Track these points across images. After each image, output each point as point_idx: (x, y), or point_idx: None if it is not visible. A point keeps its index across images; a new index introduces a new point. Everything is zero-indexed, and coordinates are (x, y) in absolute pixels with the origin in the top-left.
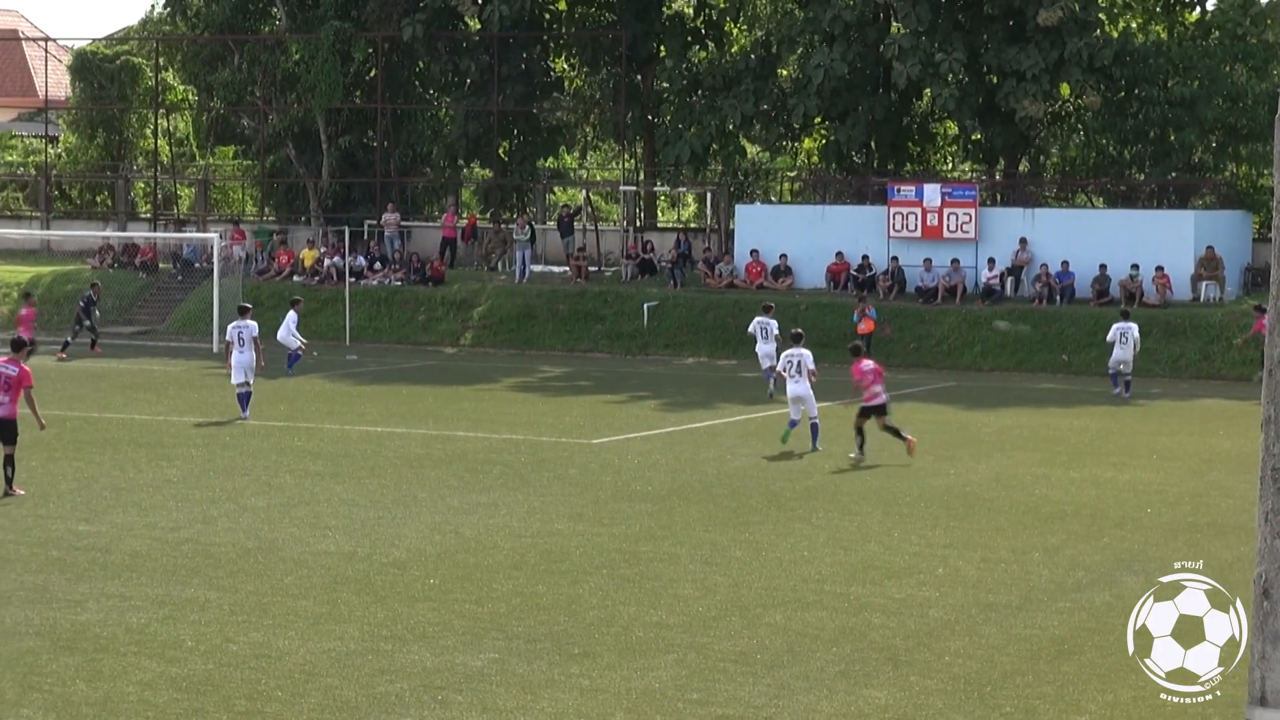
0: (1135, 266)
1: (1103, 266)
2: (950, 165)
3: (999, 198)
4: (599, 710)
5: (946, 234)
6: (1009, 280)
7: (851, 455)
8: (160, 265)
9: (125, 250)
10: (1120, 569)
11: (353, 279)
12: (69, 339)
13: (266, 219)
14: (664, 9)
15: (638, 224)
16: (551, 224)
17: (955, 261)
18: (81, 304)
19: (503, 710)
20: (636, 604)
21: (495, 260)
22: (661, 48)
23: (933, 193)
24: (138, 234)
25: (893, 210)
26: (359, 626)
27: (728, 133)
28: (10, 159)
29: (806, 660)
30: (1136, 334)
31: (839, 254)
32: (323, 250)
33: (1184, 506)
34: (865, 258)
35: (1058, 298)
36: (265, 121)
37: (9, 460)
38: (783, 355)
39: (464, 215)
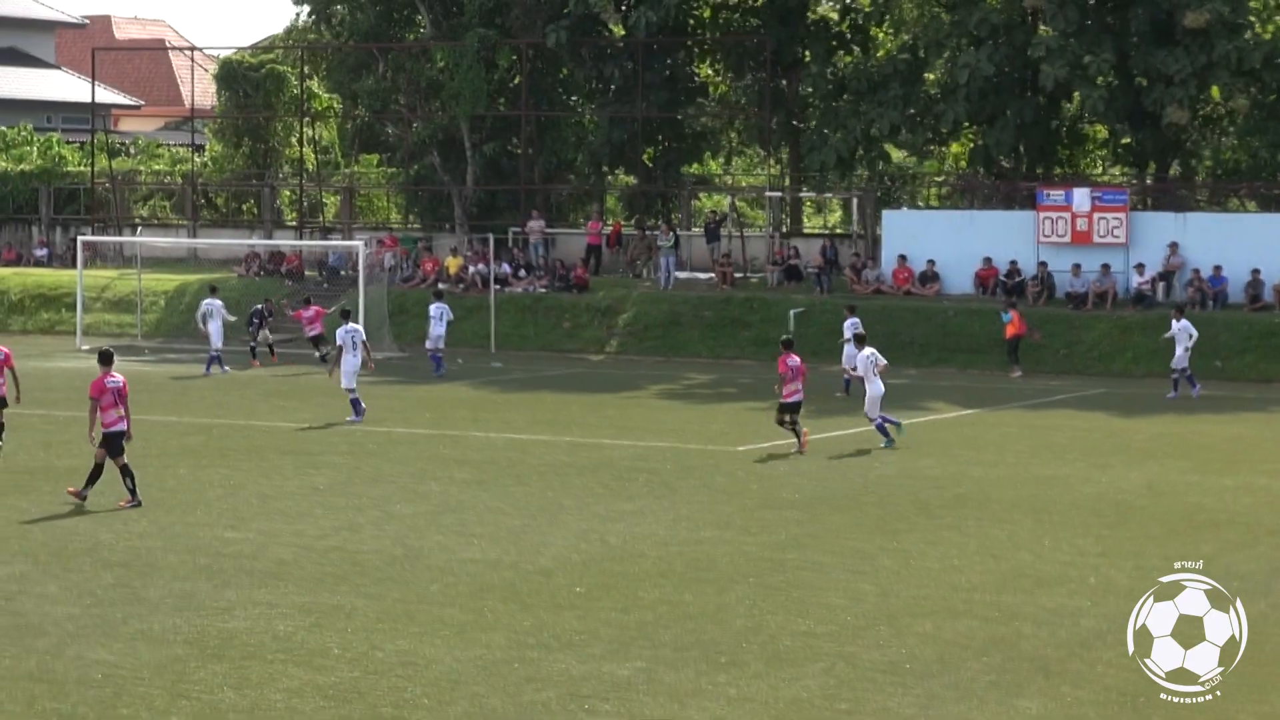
0: None
1: (1256, 271)
2: (1100, 169)
3: (1149, 202)
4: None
5: (1096, 239)
6: (1160, 285)
7: (794, 449)
8: (306, 273)
9: (271, 258)
10: (1276, 578)
11: (497, 286)
12: (253, 345)
13: (411, 226)
14: (809, 14)
15: (783, 230)
16: (696, 230)
17: (1105, 267)
18: (254, 320)
19: (650, 719)
20: (784, 612)
21: (640, 267)
22: (806, 52)
23: (1082, 197)
24: (283, 242)
25: (1042, 215)
26: (505, 634)
27: (873, 137)
28: (157, 168)
29: (956, 670)
30: (1193, 331)
31: (987, 259)
32: (467, 257)
33: None
34: (1014, 263)
35: (1210, 303)
36: (410, 129)
37: (125, 471)
38: (866, 355)
39: (608, 222)
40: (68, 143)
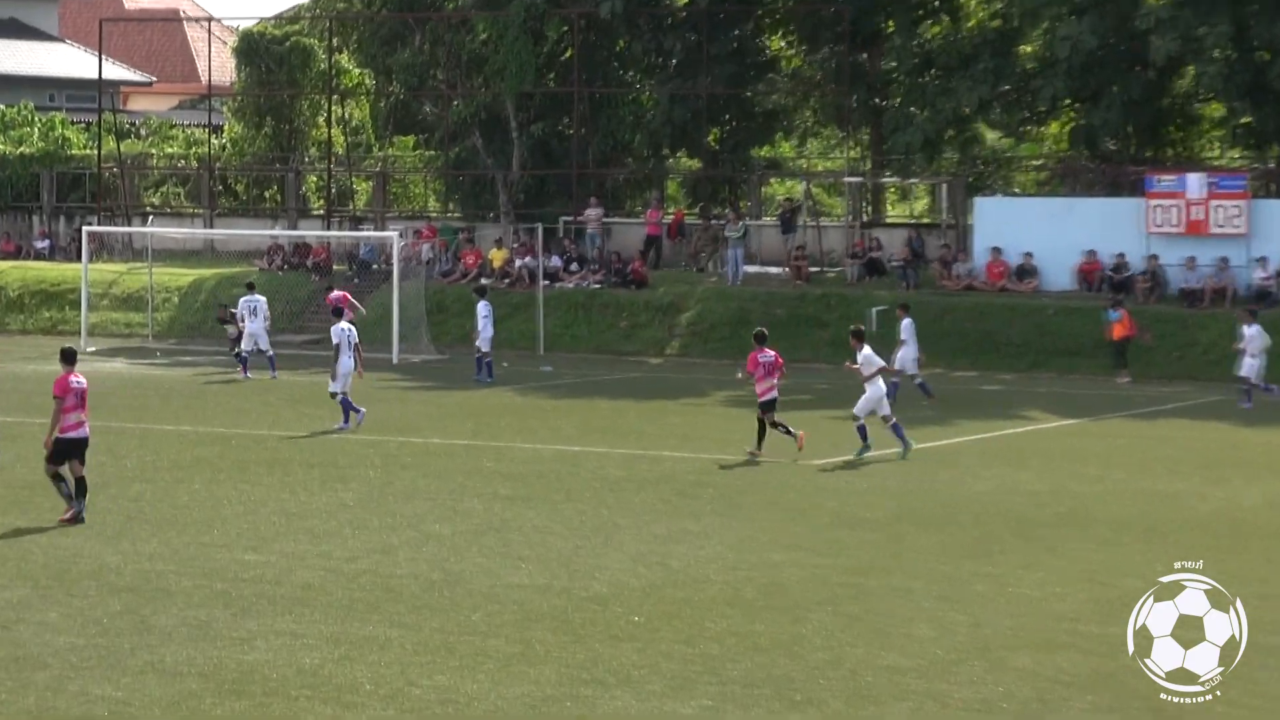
0: None
1: None
2: (1216, 152)
3: (1272, 188)
4: None
5: (1213, 229)
6: None
7: (749, 450)
8: (335, 267)
9: (296, 250)
10: None
11: (546, 281)
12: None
13: (451, 215)
14: None
15: (864, 219)
16: (767, 219)
17: (1223, 260)
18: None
19: None
20: (865, 645)
21: (705, 260)
22: (889, 23)
23: (1197, 183)
24: (310, 232)
25: (1151, 203)
26: (555, 668)
27: (964, 116)
28: (170, 150)
29: (1058, 709)
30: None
31: (1090, 252)
32: (513, 249)
33: None
34: (1120, 256)
35: None
36: (449, 108)
37: (82, 485)
38: (868, 354)
39: (669, 210)
40: (72, 123)
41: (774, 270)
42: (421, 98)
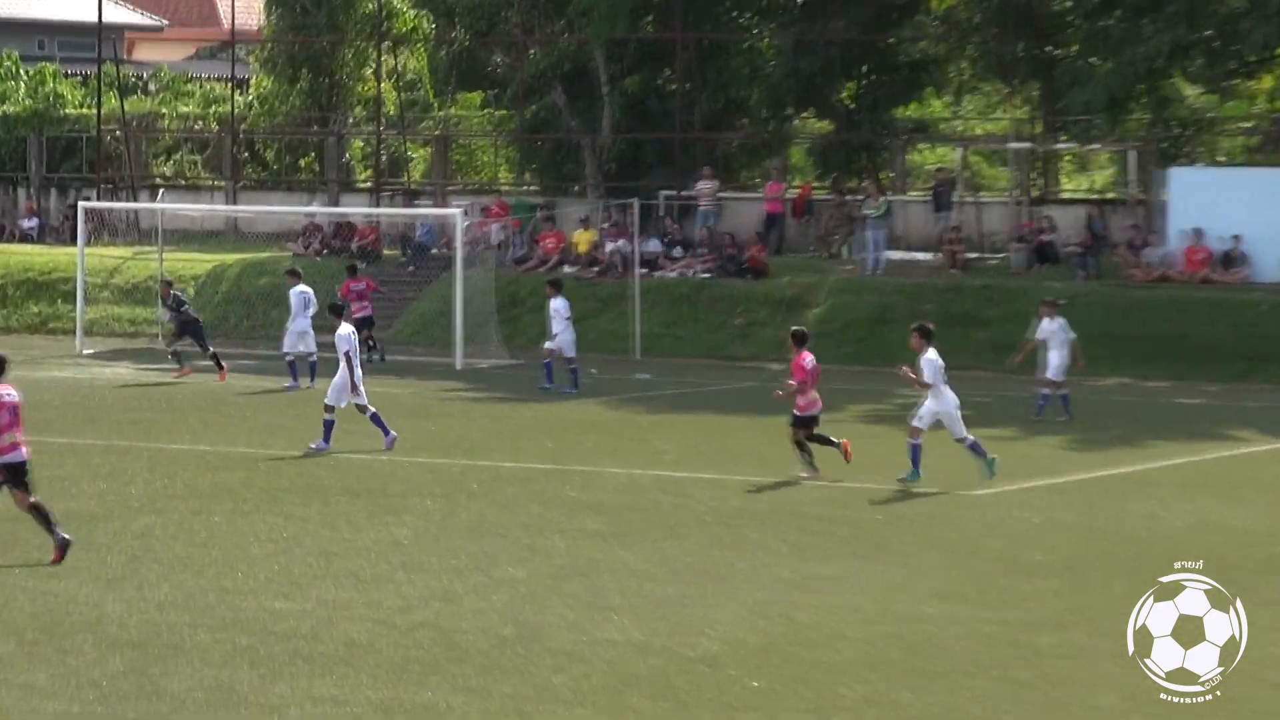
0: None
1: None
2: None
3: None
4: None
5: None
6: None
7: (803, 475)
8: (385, 252)
9: (337, 232)
10: None
11: (644, 270)
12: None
13: (526, 189)
14: None
15: (1033, 194)
16: (914, 194)
17: None
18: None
19: None
20: (1037, 717)
21: (837, 244)
22: None
23: None
24: (354, 209)
25: None
26: None
27: (1155, 68)
28: (185, 109)
29: None
30: None
31: None
32: (602, 231)
33: None
34: None
35: None
36: (525, 58)
37: (39, 512)
38: (933, 359)
39: (794, 183)
40: (66, 76)
41: (922, 256)
42: (491, 45)
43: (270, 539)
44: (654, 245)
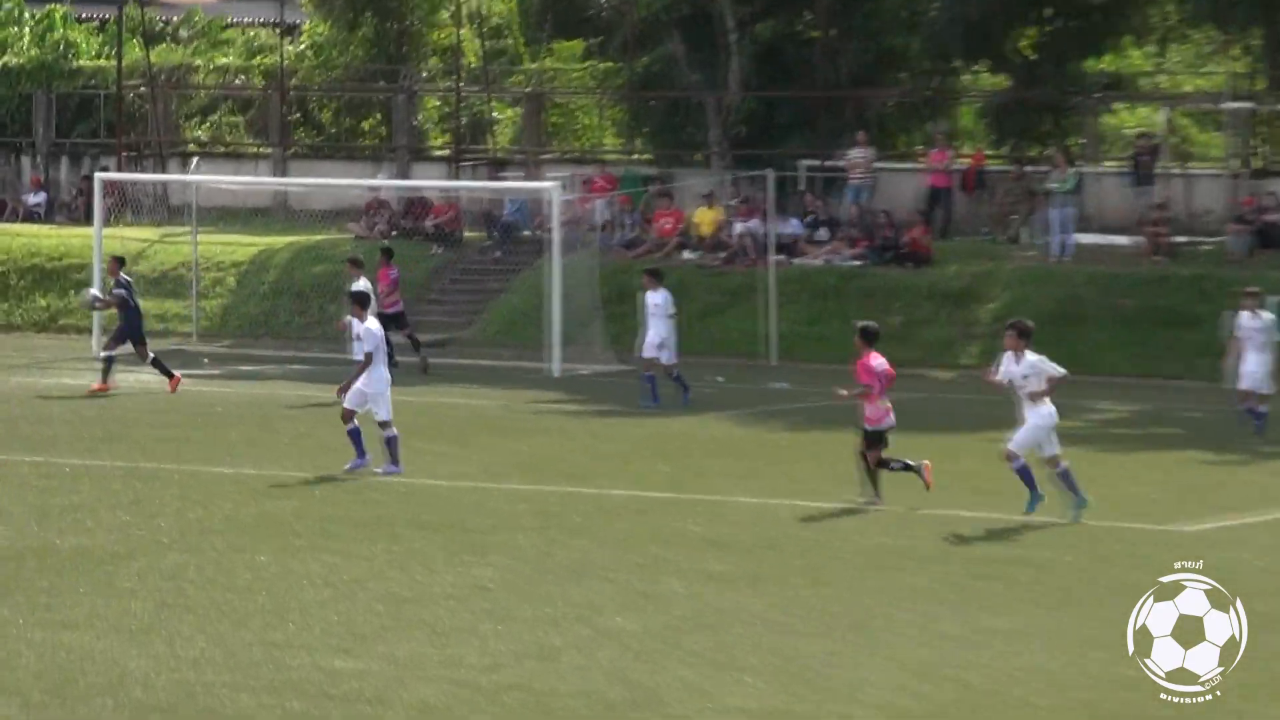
0: None
1: None
2: None
3: None
4: None
5: None
6: None
7: (862, 499)
8: (466, 233)
9: (408, 209)
10: None
11: (780, 256)
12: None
13: (636, 157)
14: None
15: (1253, 165)
16: (1109, 165)
17: None
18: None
19: None
20: None
21: (1016, 225)
22: None
23: None
24: (429, 182)
25: None
26: None
27: None
28: (224, 61)
29: None
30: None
31: None
32: (730, 209)
33: None
34: None
35: None
36: (634, 0)
37: None
38: (1035, 361)
39: (962, 150)
40: (79, 21)
41: (1120, 240)
42: None
43: (327, 582)
44: (792, 226)
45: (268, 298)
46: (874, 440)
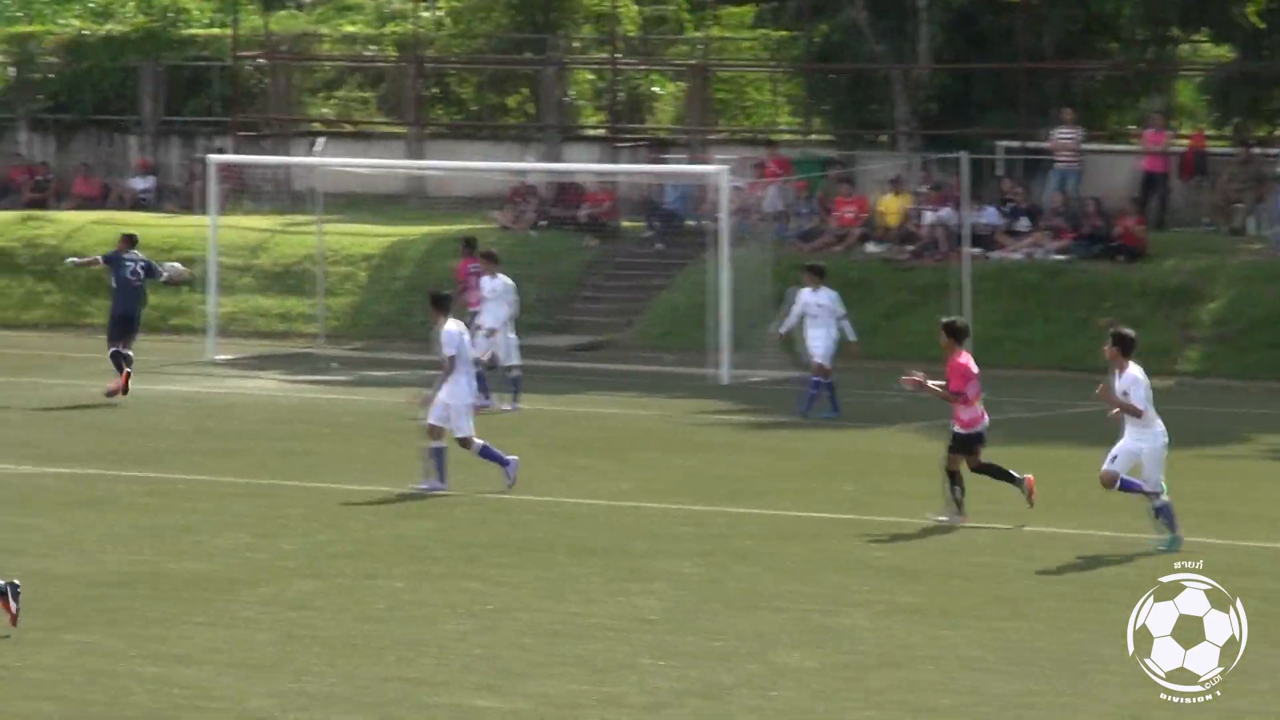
0: None
1: None
2: None
3: None
4: None
5: None
6: None
7: (941, 517)
8: (623, 223)
9: (558, 196)
10: None
11: (976, 249)
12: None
13: (814, 138)
14: None
15: None
16: None
17: None
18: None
19: None
20: None
21: (1242, 215)
22: None
23: None
24: (581, 165)
25: None
26: None
27: None
28: (352, 30)
29: None
30: None
31: None
32: (918, 196)
33: None
34: None
35: None
36: None
37: None
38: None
39: (1181, 131)
40: None
41: None
42: None
43: (470, 612)
44: (989, 215)
45: (401, 295)
46: (966, 445)
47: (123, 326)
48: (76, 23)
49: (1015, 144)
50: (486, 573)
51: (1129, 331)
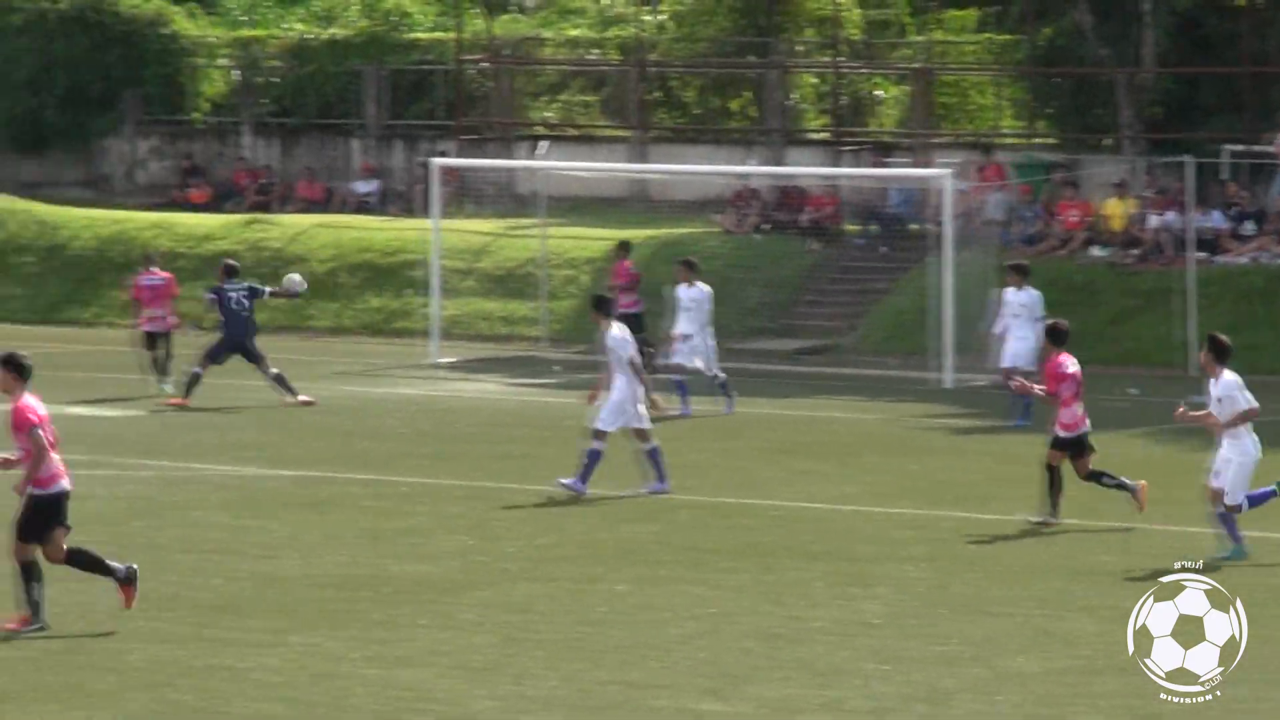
0: None
1: None
2: None
3: None
4: None
5: None
6: None
7: (1034, 518)
8: (846, 227)
9: (782, 199)
10: None
11: (1201, 254)
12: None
13: (1037, 141)
14: None
15: None
16: None
17: None
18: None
19: None
20: None
21: None
22: None
23: None
24: (803, 169)
25: None
26: None
27: None
28: (575, 33)
29: None
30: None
31: None
32: (1144, 200)
33: None
34: None
35: None
36: None
37: (85, 562)
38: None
39: None
40: None
41: None
42: None
43: (693, 616)
44: (1215, 220)
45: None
46: (1069, 446)
47: (231, 353)
48: (300, 27)
49: (1240, 148)
50: (709, 576)
51: (1224, 338)
